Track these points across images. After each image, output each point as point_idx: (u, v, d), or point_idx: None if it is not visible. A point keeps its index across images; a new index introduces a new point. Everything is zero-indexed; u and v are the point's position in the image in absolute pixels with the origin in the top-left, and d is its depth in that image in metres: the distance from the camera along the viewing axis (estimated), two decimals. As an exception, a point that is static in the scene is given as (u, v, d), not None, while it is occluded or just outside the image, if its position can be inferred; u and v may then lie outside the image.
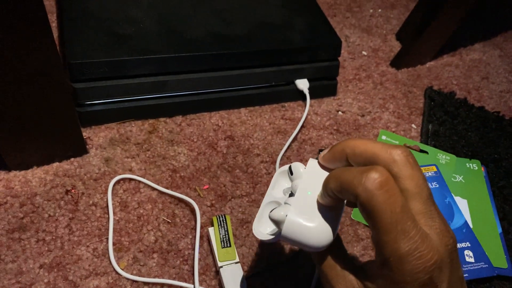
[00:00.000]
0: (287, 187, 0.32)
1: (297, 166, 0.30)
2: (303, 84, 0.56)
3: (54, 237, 0.40)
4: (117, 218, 0.42)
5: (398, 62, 0.66)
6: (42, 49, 0.35)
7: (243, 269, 0.40)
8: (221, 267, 0.38)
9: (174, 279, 0.39)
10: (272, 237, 0.29)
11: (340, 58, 0.59)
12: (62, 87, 0.39)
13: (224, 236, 0.40)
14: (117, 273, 0.38)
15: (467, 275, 0.43)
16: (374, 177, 0.22)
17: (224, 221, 0.41)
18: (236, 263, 0.39)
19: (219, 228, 0.40)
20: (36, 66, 0.36)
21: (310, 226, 0.26)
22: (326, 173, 0.28)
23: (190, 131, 0.51)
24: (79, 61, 0.45)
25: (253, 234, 0.43)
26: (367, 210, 0.23)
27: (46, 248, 0.39)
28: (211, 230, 0.41)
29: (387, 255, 0.23)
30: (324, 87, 0.58)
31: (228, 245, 0.40)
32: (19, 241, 0.39)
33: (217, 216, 0.41)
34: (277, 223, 0.27)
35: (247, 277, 0.39)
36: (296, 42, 0.54)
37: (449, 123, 0.58)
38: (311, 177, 0.28)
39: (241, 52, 0.51)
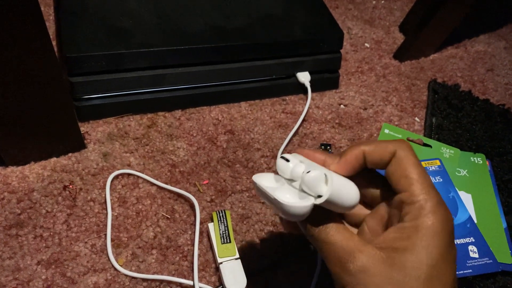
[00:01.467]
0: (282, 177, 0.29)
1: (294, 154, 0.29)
2: (304, 77, 0.55)
3: (51, 233, 0.39)
4: (116, 214, 0.41)
5: (401, 54, 0.65)
6: (37, 46, 0.35)
7: (243, 265, 0.39)
8: (221, 263, 0.38)
9: (173, 275, 0.38)
10: (309, 204, 0.25)
11: (342, 51, 0.58)
12: (58, 83, 0.38)
13: (224, 232, 0.39)
14: (115, 269, 0.38)
15: (471, 270, 0.42)
16: (407, 143, 0.28)
17: (224, 217, 0.40)
18: (236, 259, 0.38)
19: (218, 224, 0.40)
20: (31, 63, 0.36)
21: (351, 183, 0.27)
22: (314, 163, 0.28)
23: (190, 126, 0.50)
24: (76, 54, 0.44)
25: (256, 228, 0.42)
26: (403, 166, 0.26)
27: (44, 245, 0.38)
28: (210, 225, 0.40)
29: (423, 201, 0.25)
30: (326, 80, 0.57)
31: (228, 241, 0.39)
32: (16, 237, 0.38)
33: (217, 212, 0.41)
34: (317, 187, 0.25)
35: (248, 274, 0.38)
36: (297, 34, 0.53)
37: (453, 116, 0.57)
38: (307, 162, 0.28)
39: (241, 44, 0.50)
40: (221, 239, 0.39)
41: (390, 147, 0.27)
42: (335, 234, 0.26)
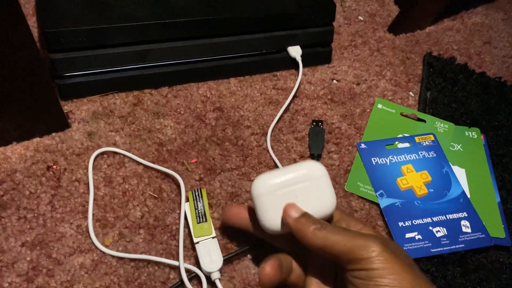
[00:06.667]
0: None
1: None
2: (295, 51, 0.53)
3: (36, 215, 0.38)
4: (102, 194, 0.40)
5: (396, 27, 0.63)
6: (9, 21, 0.33)
7: (226, 245, 0.38)
8: (197, 243, 0.37)
9: (161, 255, 0.38)
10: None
11: (335, 24, 0.56)
12: (35, 59, 0.37)
13: (200, 211, 0.38)
14: (101, 250, 0.37)
15: (463, 245, 0.41)
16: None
17: (200, 196, 0.39)
18: (213, 238, 0.37)
19: (194, 203, 0.39)
20: (4, 38, 0.34)
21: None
22: None
23: (177, 103, 0.49)
24: (55, 30, 0.42)
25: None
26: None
27: (28, 226, 0.38)
28: (186, 205, 0.39)
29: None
30: (318, 54, 0.56)
31: (204, 220, 0.38)
32: (-1, 219, 0.38)
33: (193, 191, 0.40)
34: None
35: (226, 253, 0.38)
36: (287, 6, 0.51)
37: (448, 90, 0.56)
38: None
39: (229, 17, 0.48)
40: (197, 218, 0.38)
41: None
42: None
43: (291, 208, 0.32)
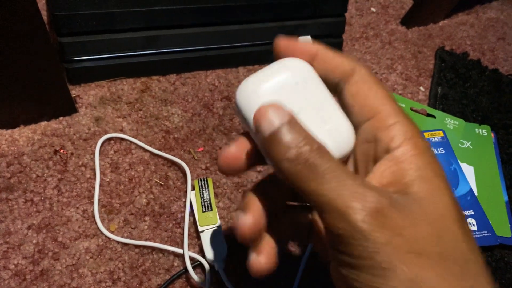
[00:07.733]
0: None
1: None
2: (306, 41, 0.53)
3: (42, 198, 0.38)
4: (108, 180, 0.40)
5: (409, 20, 0.62)
6: (18, 1, 0.33)
7: (231, 235, 0.38)
8: (202, 231, 0.37)
9: (166, 242, 0.38)
10: None
11: (346, 14, 0.55)
12: (44, 42, 0.36)
13: (205, 200, 0.38)
14: (107, 235, 0.37)
15: (468, 243, 0.41)
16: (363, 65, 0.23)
17: (206, 185, 0.39)
18: (218, 227, 0.37)
19: (200, 192, 0.39)
20: (14, 20, 0.34)
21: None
22: None
23: (185, 91, 0.48)
24: (64, 13, 0.42)
25: None
26: (369, 85, 0.23)
27: (35, 209, 0.38)
28: (192, 194, 0.39)
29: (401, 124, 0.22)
30: (329, 45, 0.55)
31: (210, 209, 0.38)
32: (6, 201, 0.38)
33: (199, 179, 0.40)
34: None
35: (231, 242, 0.38)
36: (299, -5, 0.50)
37: (460, 86, 0.55)
38: None
39: (240, 5, 0.47)
40: (202, 207, 0.38)
41: (347, 60, 0.22)
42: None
43: (268, 110, 0.19)
